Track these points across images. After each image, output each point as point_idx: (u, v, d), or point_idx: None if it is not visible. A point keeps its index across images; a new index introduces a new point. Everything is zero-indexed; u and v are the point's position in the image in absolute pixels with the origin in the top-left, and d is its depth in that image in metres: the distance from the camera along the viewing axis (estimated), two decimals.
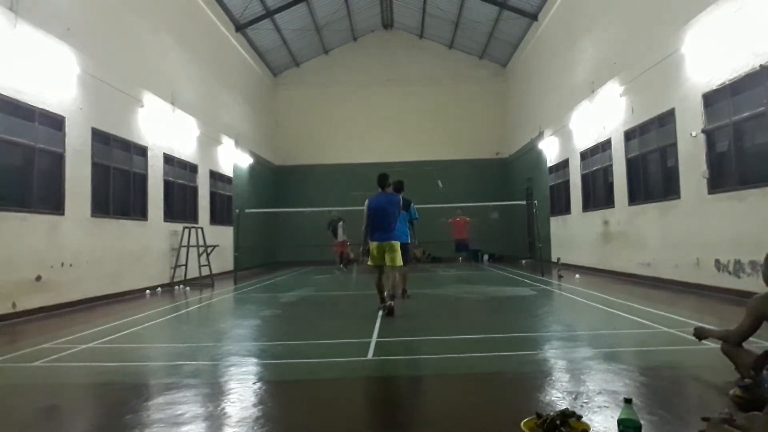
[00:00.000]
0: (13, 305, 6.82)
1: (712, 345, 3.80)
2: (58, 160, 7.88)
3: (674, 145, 8.62)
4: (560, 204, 14.84)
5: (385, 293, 6.63)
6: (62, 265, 7.80)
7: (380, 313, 6.46)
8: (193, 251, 11.54)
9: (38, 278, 7.29)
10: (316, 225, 16.82)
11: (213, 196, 14.28)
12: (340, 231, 14.87)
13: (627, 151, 10.48)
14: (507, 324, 5.86)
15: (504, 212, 18.74)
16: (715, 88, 7.45)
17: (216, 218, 14.30)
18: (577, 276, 11.11)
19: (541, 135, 16.26)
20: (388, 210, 6.63)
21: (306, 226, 17.84)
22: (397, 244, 6.69)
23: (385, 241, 6.62)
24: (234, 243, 14.38)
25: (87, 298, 8.34)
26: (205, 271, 11.52)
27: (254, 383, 3.72)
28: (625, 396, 2.41)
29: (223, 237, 14.29)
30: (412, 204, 8.06)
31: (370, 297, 7.83)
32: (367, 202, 6.75)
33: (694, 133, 7.93)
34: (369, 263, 6.79)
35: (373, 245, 6.66)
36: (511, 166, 20.40)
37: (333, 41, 20.52)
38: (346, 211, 14.79)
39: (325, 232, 15.82)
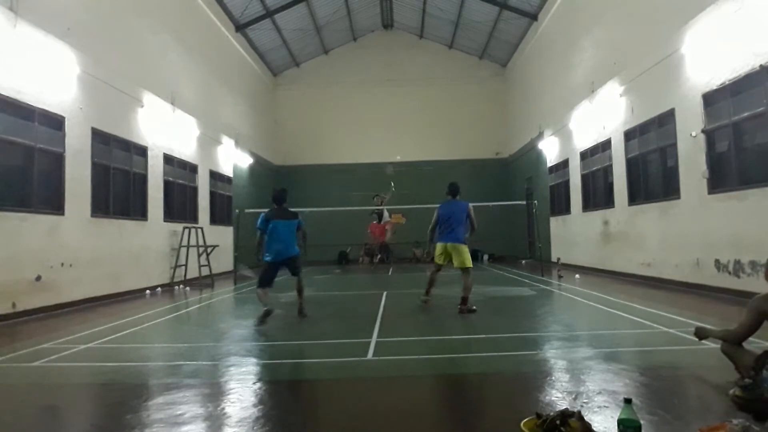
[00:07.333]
0: (13, 305, 6.82)
1: (712, 345, 3.80)
2: (58, 160, 7.88)
3: (674, 145, 8.61)
4: (560, 204, 14.83)
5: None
6: (62, 265, 7.80)
7: (380, 312, 6.49)
8: (193, 251, 11.53)
9: (38, 278, 7.29)
10: (316, 225, 16.75)
11: (213, 196, 14.28)
12: (386, 213, 14.30)
13: (627, 151, 10.48)
14: (507, 324, 5.86)
15: (504, 212, 18.71)
16: (715, 88, 7.45)
17: (216, 218, 14.29)
18: (577, 276, 11.10)
19: (541, 135, 16.25)
20: (454, 216, 7.04)
21: (306, 226, 17.79)
22: (460, 246, 6.89)
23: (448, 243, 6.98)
24: (234, 243, 14.37)
25: (87, 298, 8.33)
26: (205, 271, 11.52)
27: (254, 383, 3.71)
28: (625, 396, 2.41)
29: (223, 237, 14.28)
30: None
31: (370, 297, 7.84)
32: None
33: (694, 133, 7.93)
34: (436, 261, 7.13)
35: (438, 246, 7.07)
36: (511, 166, 20.40)
37: (333, 41, 20.52)
38: (347, 211, 14.80)
39: (323, 232, 15.82)
